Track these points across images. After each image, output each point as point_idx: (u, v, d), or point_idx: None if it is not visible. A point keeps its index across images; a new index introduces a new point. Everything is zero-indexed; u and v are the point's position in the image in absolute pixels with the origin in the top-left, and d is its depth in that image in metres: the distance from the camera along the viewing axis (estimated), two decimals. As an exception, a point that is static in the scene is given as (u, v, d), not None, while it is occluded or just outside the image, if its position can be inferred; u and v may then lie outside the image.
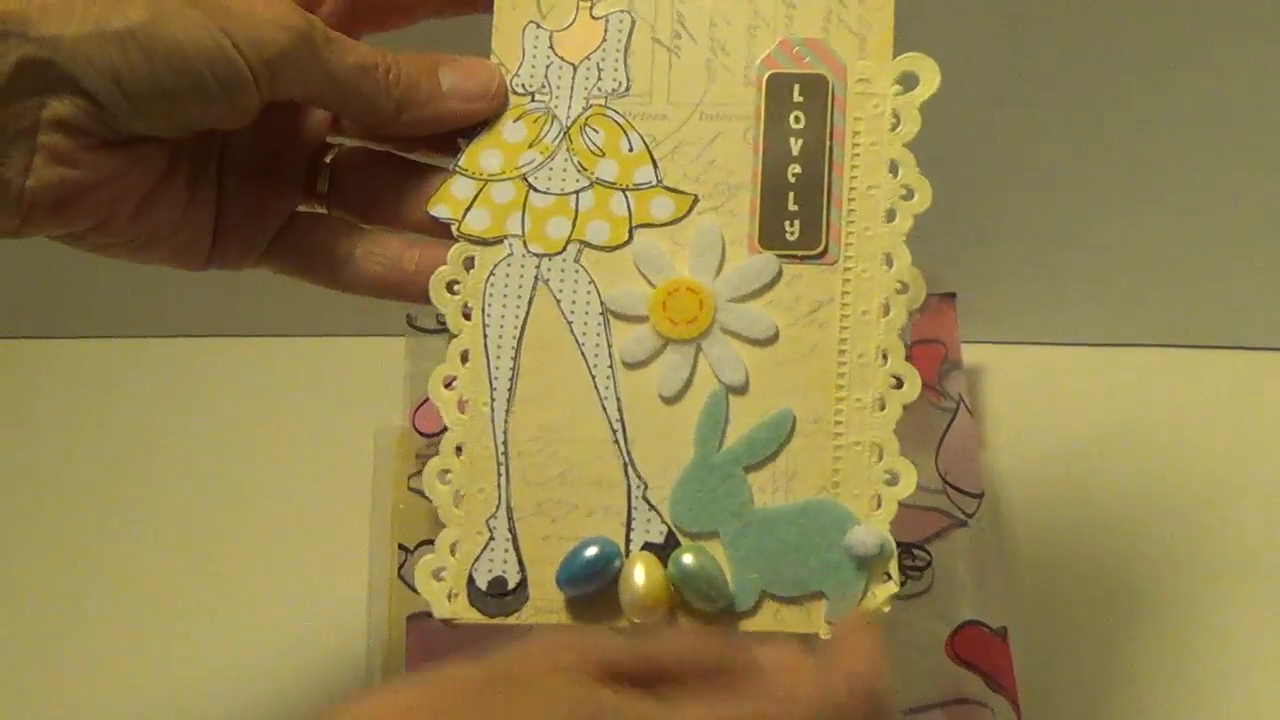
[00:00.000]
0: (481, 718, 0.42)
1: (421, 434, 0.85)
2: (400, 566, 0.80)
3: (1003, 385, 0.93)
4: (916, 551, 0.78)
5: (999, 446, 0.89)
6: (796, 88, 0.58)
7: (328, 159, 0.61)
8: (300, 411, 0.96)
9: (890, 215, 0.57)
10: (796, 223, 0.57)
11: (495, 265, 0.58)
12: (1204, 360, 0.93)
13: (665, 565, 0.56)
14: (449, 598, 0.57)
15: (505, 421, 0.57)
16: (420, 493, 0.80)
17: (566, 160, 0.58)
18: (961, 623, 0.76)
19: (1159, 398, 0.92)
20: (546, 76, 0.59)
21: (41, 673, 0.85)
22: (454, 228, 0.58)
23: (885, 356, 0.57)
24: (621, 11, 0.59)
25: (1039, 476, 0.88)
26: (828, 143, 0.57)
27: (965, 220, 0.87)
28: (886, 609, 0.55)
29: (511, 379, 0.58)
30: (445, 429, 0.58)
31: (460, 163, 0.59)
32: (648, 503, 0.57)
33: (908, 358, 0.57)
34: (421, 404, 0.85)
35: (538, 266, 0.58)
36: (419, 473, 0.82)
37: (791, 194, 0.57)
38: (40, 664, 0.85)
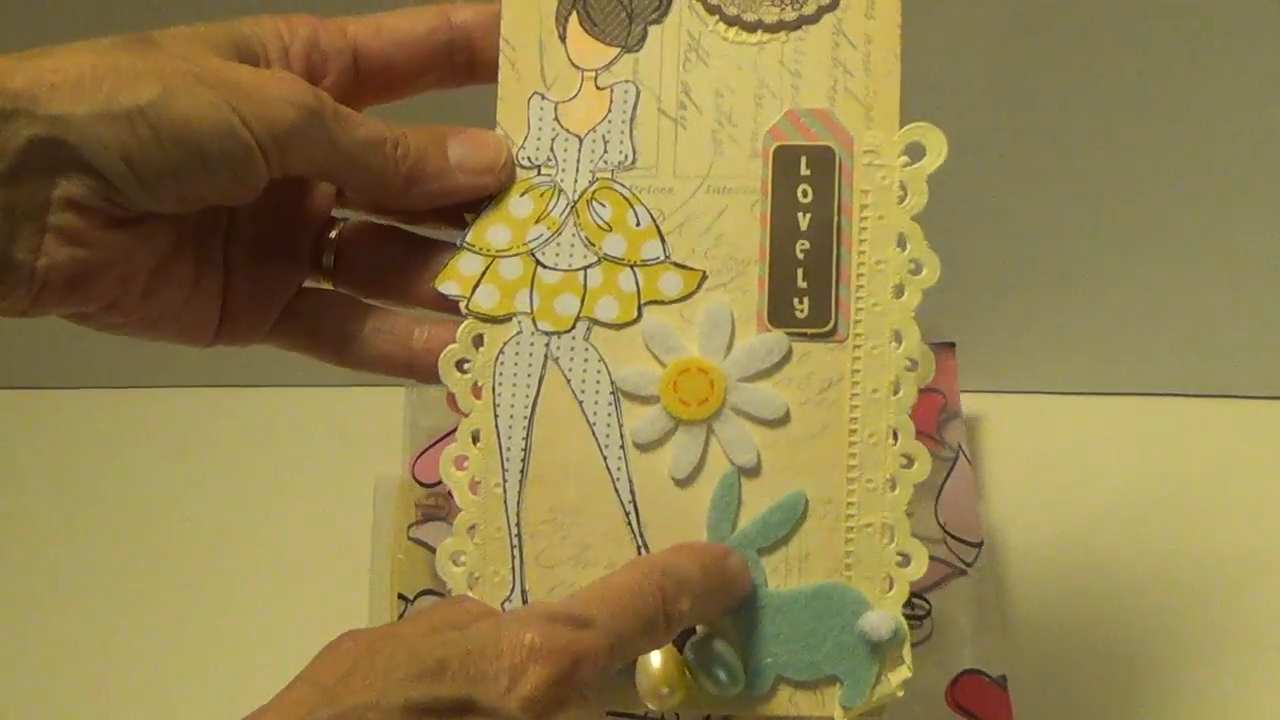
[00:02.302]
0: None
1: (421, 484, 0.84)
2: (400, 616, 0.80)
3: (1001, 434, 0.93)
4: (916, 600, 0.79)
5: (998, 495, 0.89)
6: (804, 160, 0.57)
7: (333, 234, 0.60)
8: (300, 461, 0.96)
9: (899, 290, 0.57)
10: (805, 300, 0.57)
11: (505, 343, 0.57)
12: (1203, 409, 0.93)
13: (681, 650, 0.55)
14: (464, 681, 0.56)
15: (518, 503, 0.57)
16: (420, 542, 0.80)
17: (574, 235, 0.58)
18: (961, 671, 0.77)
19: (1157, 446, 0.92)
20: (552, 149, 0.58)
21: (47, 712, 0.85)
22: (462, 305, 0.58)
23: (896, 436, 0.56)
24: (626, 82, 0.58)
25: (1038, 525, 0.88)
26: (835, 217, 0.57)
27: (964, 270, 0.87)
28: (900, 694, 0.56)
29: (523, 459, 0.57)
30: (459, 508, 0.58)
31: (468, 238, 0.58)
32: (661, 586, 0.56)
33: (918, 436, 0.56)
34: (421, 454, 0.85)
35: (547, 344, 0.57)
36: (419, 522, 0.82)
37: (800, 270, 0.57)
38: (45, 704, 0.85)
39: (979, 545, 0.81)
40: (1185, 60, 0.82)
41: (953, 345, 0.89)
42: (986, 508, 0.88)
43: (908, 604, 0.77)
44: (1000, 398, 0.94)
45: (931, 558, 0.79)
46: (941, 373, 0.88)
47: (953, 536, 0.81)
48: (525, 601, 0.57)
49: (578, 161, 0.58)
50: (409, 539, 0.82)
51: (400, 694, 0.42)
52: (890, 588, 0.56)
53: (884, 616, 0.55)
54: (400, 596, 0.80)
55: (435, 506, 0.84)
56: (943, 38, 0.81)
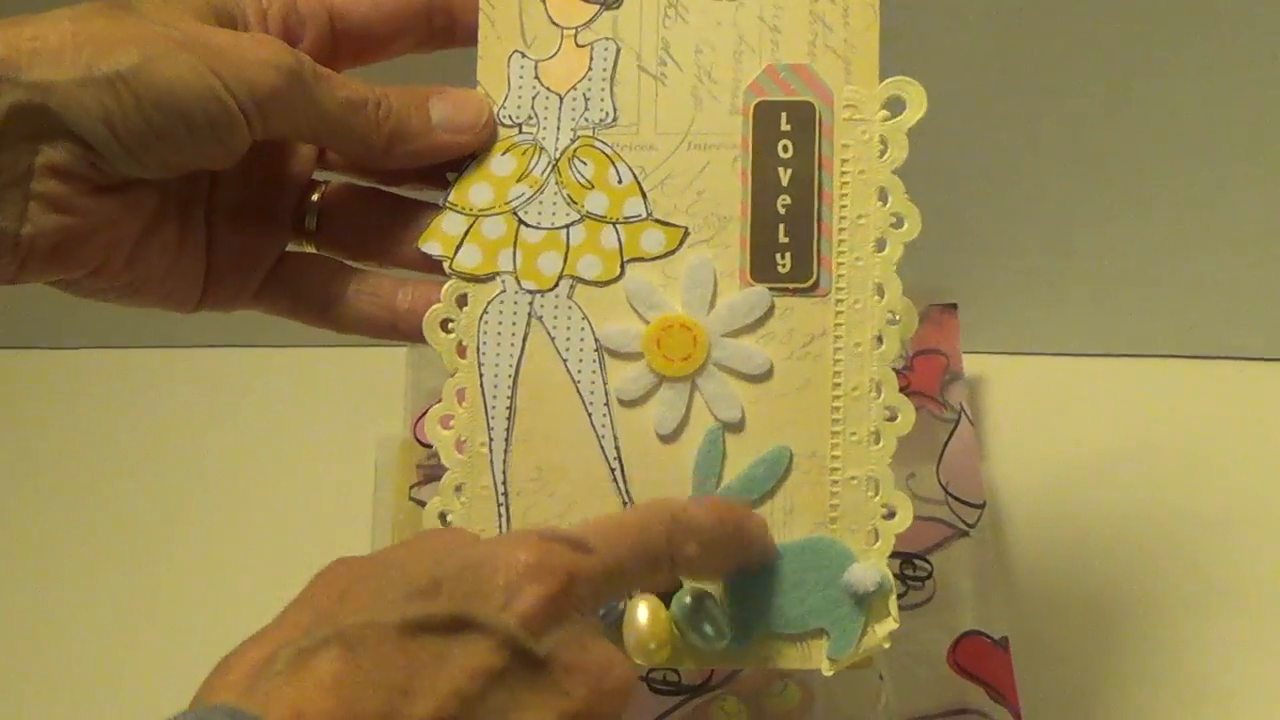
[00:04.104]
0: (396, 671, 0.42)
1: (423, 444, 0.84)
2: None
3: (1004, 396, 0.93)
4: (918, 562, 0.78)
5: (1000, 457, 0.89)
6: (784, 115, 0.57)
7: (315, 197, 0.60)
8: (302, 422, 0.97)
9: (880, 244, 0.56)
10: (787, 255, 0.57)
11: (489, 302, 0.58)
12: (1204, 370, 0.93)
13: (668, 605, 0.55)
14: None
15: (504, 461, 0.57)
16: (422, 503, 0.80)
17: (556, 193, 0.58)
18: (963, 633, 0.76)
19: (1159, 408, 0.92)
20: (533, 107, 0.58)
21: (38, 682, 0.86)
22: (446, 264, 0.58)
23: (879, 389, 0.56)
24: (606, 39, 0.58)
25: (1040, 486, 0.88)
26: (816, 172, 0.57)
27: (966, 232, 0.87)
28: (887, 645, 0.55)
29: (509, 418, 0.57)
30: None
31: (450, 198, 0.58)
32: (648, 542, 0.56)
33: (902, 389, 0.56)
34: (423, 414, 0.84)
35: (531, 303, 0.57)
36: (420, 483, 0.83)
37: (781, 226, 0.57)
38: (37, 671, 0.86)
39: (981, 506, 0.81)
40: (1188, 23, 0.81)
41: (955, 307, 0.88)
42: (989, 469, 0.87)
43: (909, 565, 0.78)
44: (1003, 359, 0.94)
45: (933, 519, 0.80)
46: (944, 334, 0.88)
47: (955, 498, 0.81)
48: None
49: (559, 119, 0.58)
50: (410, 499, 0.82)
51: (396, 611, 0.43)
52: (876, 540, 0.56)
53: (869, 569, 0.55)
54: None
55: (436, 467, 0.83)
56: (942, 2, 0.81)
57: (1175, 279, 0.91)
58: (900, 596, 0.56)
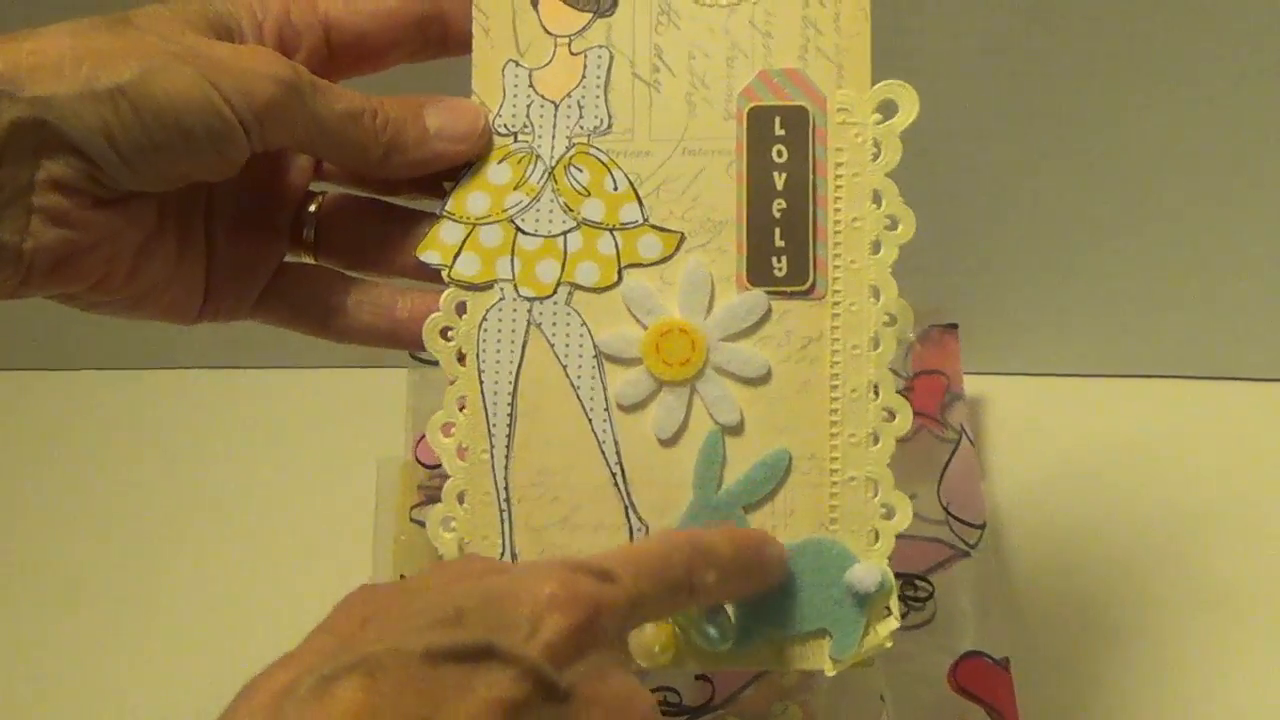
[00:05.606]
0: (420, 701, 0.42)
1: (424, 465, 0.85)
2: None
3: (1005, 416, 0.93)
4: (919, 582, 0.78)
5: (1001, 477, 0.89)
6: (777, 120, 0.57)
7: (312, 208, 0.60)
8: (303, 443, 0.97)
9: (875, 247, 0.57)
10: (783, 259, 0.57)
11: (487, 310, 0.58)
12: (1204, 391, 0.93)
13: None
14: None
15: (505, 467, 0.57)
16: (422, 524, 0.80)
17: (552, 201, 0.58)
18: (964, 653, 0.76)
19: (1160, 428, 0.92)
20: (528, 116, 0.59)
21: (40, 703, 0.86)
22: (444, 273, 0.58)
23: (877, 390, 0.56)
24: (599, 47, 0.58)
25: (1041, 507, 0.88)
26: (811, 176, 0.57)
27: (967, 252, 0.87)
28: (889, 645, 0.55)
29: (509, 424, 0.57)
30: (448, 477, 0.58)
31: (447, 207, 0.58)
32: (649, 545, 0.56)
33: (899, 390, 0.57)
34: (424, 435, 0.85)
35: (529, 310, 0.58)
36: (421, 504, 0.83)
37: (777, 230, 0.57)
38: (40, 689, 0.86)
39: (982, 527, 0.81)
40: (1188, 42, 0.81)
41: (955, 327, 0.89)
42: (990, 489, 0.87)
43: (910, 586, 0.78)
44: (1003, 379, 0.94)
45: (934, 540, 0.80)
46: (944, 355, 0.88)
47: (956, 518, 0.81)
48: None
49: (554, 127, 0.58)
50: (411, 521, 0.82)
51: (420, 640, 0.43)
52: (875, 540, 0.56)
53: (870, 569, 0.55)
54: (402, 578, 0.80)
55: (437, 488, 0.83)
56: (944, 19, 0.82)
57: (1176, 300, 0.91)
58: (901, 617, 0.56)
